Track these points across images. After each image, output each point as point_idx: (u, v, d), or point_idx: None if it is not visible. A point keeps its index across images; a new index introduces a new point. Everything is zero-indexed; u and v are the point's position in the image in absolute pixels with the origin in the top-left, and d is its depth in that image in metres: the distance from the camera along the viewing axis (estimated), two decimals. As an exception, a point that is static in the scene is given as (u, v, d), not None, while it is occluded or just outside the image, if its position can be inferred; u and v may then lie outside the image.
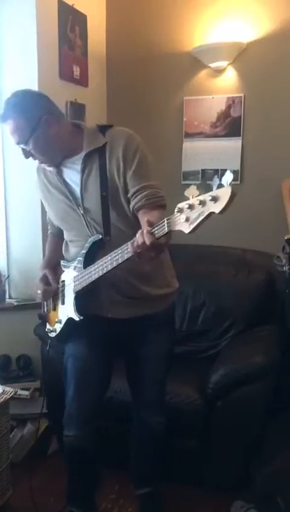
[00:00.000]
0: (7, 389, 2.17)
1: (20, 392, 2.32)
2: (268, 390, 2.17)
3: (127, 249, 1.45)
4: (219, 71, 2.93)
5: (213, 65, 2.90)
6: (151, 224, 1.37)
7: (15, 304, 2.71)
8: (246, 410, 2.14)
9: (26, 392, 2.44)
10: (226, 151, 2.96)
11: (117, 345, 1.86)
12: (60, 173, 1.73)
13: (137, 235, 1.39)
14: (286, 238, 2.36)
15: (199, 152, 3.03)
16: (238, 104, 2.91)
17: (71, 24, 2.80)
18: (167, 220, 1.31)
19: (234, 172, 2.94)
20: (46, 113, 1.63)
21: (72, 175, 1.71)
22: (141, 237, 1.36)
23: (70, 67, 2.81)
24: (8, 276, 2.78)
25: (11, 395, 2.14)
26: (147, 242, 1.34)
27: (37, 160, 1.73)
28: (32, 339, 2.49)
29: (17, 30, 2.55)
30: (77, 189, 1.70)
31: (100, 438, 1.92)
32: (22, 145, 1.65)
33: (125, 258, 1.47)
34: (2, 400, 2.09)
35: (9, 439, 2.23)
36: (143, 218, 1.54)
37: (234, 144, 2.94)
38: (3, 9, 2.56)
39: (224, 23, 2.85)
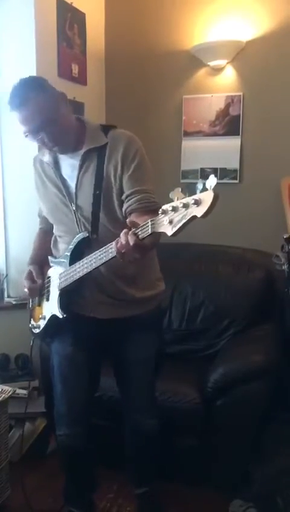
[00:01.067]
0: (6, 388, 2.17)
1: (18, 391, 2.31)
2: (268, 389, 2.16)
3: (111, 248, 1.45)
4: (218, 70, 2.92)
5: (212, 64, 2.89)
6: (135, 225, 1.36)
7: (13, 302, 2.70)
8: (245, 410, 2.13)
9: (24, 391, 2.43)
10: (225, 150, 2.96)
11: (103, 345, 1.84)
12: (57, 166, 1.73)
13: (121, 235, 1.38)
14: (285, 236, 2.35)
15: (198, 151, 3.02)
16: (237, 103, 2.91)
17: (70, 22, 2.79)
18: (151, 221, 1.30)
19: (233, 171, 2.94)
20: (59, 93, 1.63)
21: (69, 170, 1.71)
22: (125, 237, 1.36)
23: (69, 66, 2.80)
24: (7, 275, 2.77)
25: (9, 394, 2.14)
26: (131, 242, 1.34)
27: (44, 152, 1.74)
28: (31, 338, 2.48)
29: (16, 28, 2.54)
30: (72, 185, 1.70)
31: (98, 437, 1.92)
32: (43, 129, 1.57)
33: (110, 257, 1.46)
34: (0, 399, 2.08)
35: (7, 438, 2.23)
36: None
37: (233, 143, 2.94)
38: (2, 7, 2.55)
39: (223, 21, 2.85)
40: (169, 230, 1.25)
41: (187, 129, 3.04)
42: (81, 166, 1.66)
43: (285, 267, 2.35)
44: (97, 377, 1.91)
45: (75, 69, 2.83)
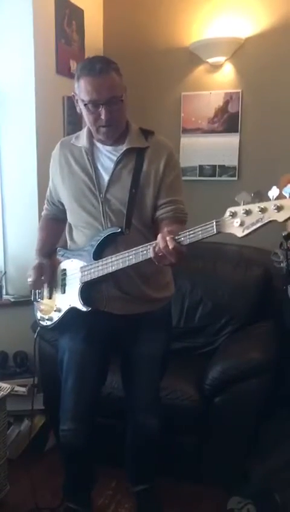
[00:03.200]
0: (4, 385, 2.18)
1: (17, 388, 2.32)
2: (265, 386, 2.17)
3: (142, 251, 1.51)
4: (216, 67, 2.92)
5: (211, 60, 2.89)
6: (173, 232, 1.45)
7: (12, 300, 2.70)
8: (243, 407, 2.14)
9: (23, 389, 2.44)
10: (223, 147, 2.96)
11: (113, 341, 1.86)
12: (91, 155, 1.74)
13: (161, 239, 1.45)
14: (283, 234, 2.35)
15: (197, 148, 3.02)
16: (236, 100, 2.90)
17: (68, 19, 2.78)
18: (216, 222, 1.36)
19: (232, 168, 2.95)
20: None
21: (105, 162, 1.73)
22: (164, 241, 1.44)
23: (67, 62, 2.80)
24: (5, 272, 2.77)
25: (8, 391, 2.14)
26: (170, 246, 1.42)
27: (80, 137, 1.77)
28: (29, 335, 2.47)
29: (14, 25, 2.53)
30: (105, 177, 1.71)
31: (97, 434, 1.92)
32: (107, 103, 1.61)
33: (140, 259, 1.53)
34: (-1, 396, 2.09)
35: (6, 435, 2.23)
36: (165, 228, 1.60)
37: (231, 140, 2.94)
38: (0, 3, 2.53)
39: (222, 18, 2.84)
40: (239, 232, 1.32)
41: (186, 126, 3.04)
42: (118, 162, 1.69)
43: (283, 264, 2.35)
44: (105, 374, 1.93)
45: (73, 65, 2.82)
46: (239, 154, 2.93)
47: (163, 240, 1.44)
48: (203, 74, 2.97)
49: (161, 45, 3.03)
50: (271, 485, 2.00)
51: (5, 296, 2.75)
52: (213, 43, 2.83)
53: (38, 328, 1.96)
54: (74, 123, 2.78)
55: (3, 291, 2.77)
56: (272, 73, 2.82)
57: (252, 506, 2.00)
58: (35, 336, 2.00)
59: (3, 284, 2.77)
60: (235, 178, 2.95)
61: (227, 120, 2.94)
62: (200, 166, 3.02)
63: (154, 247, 1.47)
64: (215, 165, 2.98)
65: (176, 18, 2.98)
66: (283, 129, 2.82)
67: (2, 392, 2.12)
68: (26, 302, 2.56)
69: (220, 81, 2.94)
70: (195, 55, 2.93)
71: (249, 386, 2.13)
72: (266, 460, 2.13)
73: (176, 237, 1.43)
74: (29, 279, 1.88)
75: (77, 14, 2.87)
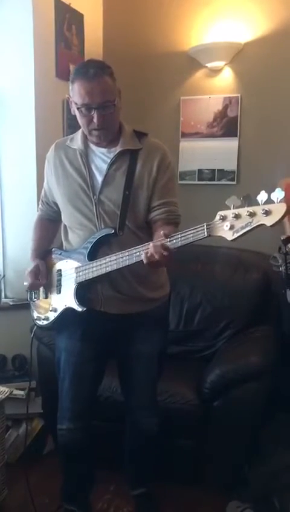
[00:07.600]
0: (2, 388, 2.17)
1: (15, 392, 2.31)
2: (264, 390, 2.17)
3: (136, 253, 1.52)
4: (215, 71, 2.93)
5: (210, 65, 2.90)
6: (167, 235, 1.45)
7: (11, 303, 2.70)
8: (242, 410, 2.13)
9: (21, 392, 2.44)
10: (222, 151, 2.97)
11: (110, 341, 1.86)
12: (86, 156, 1.75)
13: (154, 244, 1.46)
14: (282, 238, 2.35)
15: (196, 152, 3.03)
16: (235, 104, 2.91)
17: (68, 23, 2.80)
18: (207, 225, 1.37)
19: (231, 172, 2.95)
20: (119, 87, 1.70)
21: (99, 163, 1.74)
22: (156, 247, 1.45)
23: (66, 66, 2.80)
24: (4, 276, 2.77)
25: (6, 395, 2.13)
26: (163, 251, 1.44)
27: (74, 139, 1.78)
28: (28, 338, 2.46)
29: (14, 29, 2.54)
30: (99, 179, 1.72)
31: (96, 438, 1.92)
32: (100, 108, 1.61)
33: (134, 261, 1.53)
34: (-3, 399, 2.08)
35: (4, 439, 2.23)
36: (159, 230, 1.61)
37: (230, 144, 2.94)
38: (0, 8, 2.54)
39: (221, 23, 2.86)
40: (229, 236, 1.33)
41: (185, 130, 3.05)
42: (112, 164, 1.70)
43: (282, 268, 2.35)
44: (102, 373, 1.93)
45: (72, 69, 2.83)
46: (238, 158, 2.94)
47: (154, 246, 1.46)
48: (202, 78, 2.98)
49: (160, 50, 3.05)
50: (270, 489, 1.99)
51: (3, 300, 2.75)
52: (212, 48, 2.84)
53: (35, 327, 1.96)
54: (73, 126, 2.77)
55: (2, 295, 2.77)
56: (271, 78, 2.83)
57: (251, 511, 2.00)
58: (31, 335, 2.00)
59: (2, 287, 2.77)
60: (234, 182, 2.95)
61: (226, 124, 2.95)
62: (199, 171, 3.02)
63: (146, 252, 1.47)
64: (215, 169, 2.98)
65: (175, 23, 2.99)
66: (282, 133, 2.83)
67: (0, 396, 2.11)
68: (25, 306, 2.55)
69: (219, 85, 2.95)
70: (194, 60, 2.94)
71: (248, 389, 2.13)
72: (265, 464, 2.13)
73: (168, 239, 1.45)
74: (26, 283, 1.90)
75: (77, 18, 2.89)
